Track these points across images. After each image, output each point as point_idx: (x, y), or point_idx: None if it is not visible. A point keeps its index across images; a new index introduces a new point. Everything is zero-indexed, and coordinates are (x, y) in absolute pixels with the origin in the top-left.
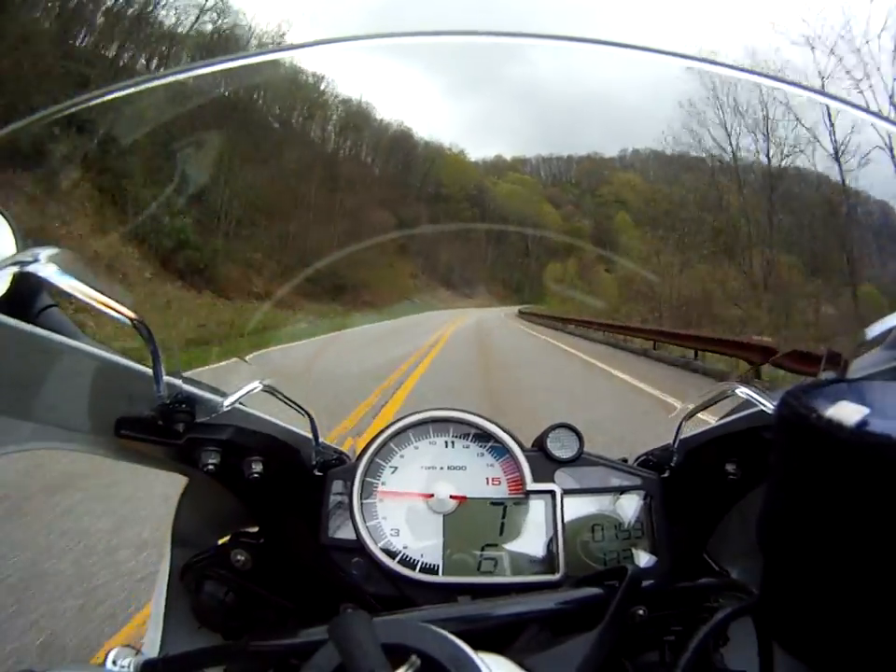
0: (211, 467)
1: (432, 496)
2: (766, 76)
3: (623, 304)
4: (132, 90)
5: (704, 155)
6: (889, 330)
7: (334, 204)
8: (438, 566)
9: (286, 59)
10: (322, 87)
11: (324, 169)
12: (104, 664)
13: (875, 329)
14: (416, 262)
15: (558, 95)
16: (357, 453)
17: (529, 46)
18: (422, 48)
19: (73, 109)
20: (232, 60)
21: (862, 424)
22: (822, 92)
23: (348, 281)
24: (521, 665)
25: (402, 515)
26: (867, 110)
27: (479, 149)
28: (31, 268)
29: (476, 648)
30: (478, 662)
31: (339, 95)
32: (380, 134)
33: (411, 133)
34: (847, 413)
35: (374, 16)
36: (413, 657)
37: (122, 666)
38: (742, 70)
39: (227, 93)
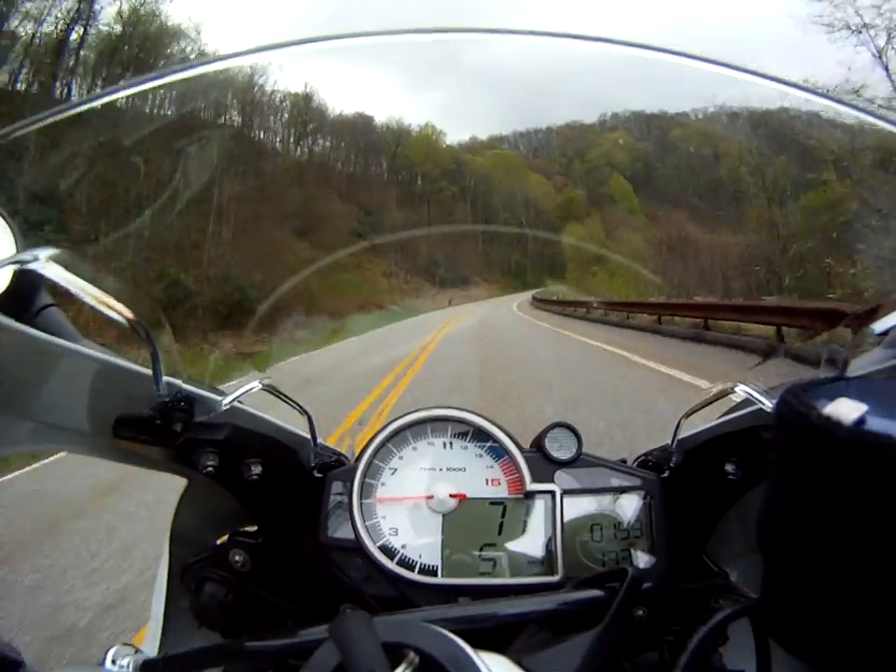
0: (210, 469)
1: (432, 497)
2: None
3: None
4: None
5: (688, 110)
6: (889, 329)
7: (303, 212)
8: (437, 566)
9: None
10: (283, 91)
11: (286, 177)
12: (103, 663)
13: (874, 328)
14: (390, 258)
15: (524, 75)
16: (356, 453)
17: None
18: (378, 46)
19: (72, 111)
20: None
21: (861, 422)
22: (824, 95)
23: (284, 303)
24: (520, 664)
25: (401, 516)
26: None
27: (450, 135)
28: (30, 267)
29: (476, 648)
30: (478, 661)
31: (299, 99)
32: (341, 130)
33: (373, 122)
34: (845, 410)
35: (325, 19)
36: (412, 655)
37: (122, 666)
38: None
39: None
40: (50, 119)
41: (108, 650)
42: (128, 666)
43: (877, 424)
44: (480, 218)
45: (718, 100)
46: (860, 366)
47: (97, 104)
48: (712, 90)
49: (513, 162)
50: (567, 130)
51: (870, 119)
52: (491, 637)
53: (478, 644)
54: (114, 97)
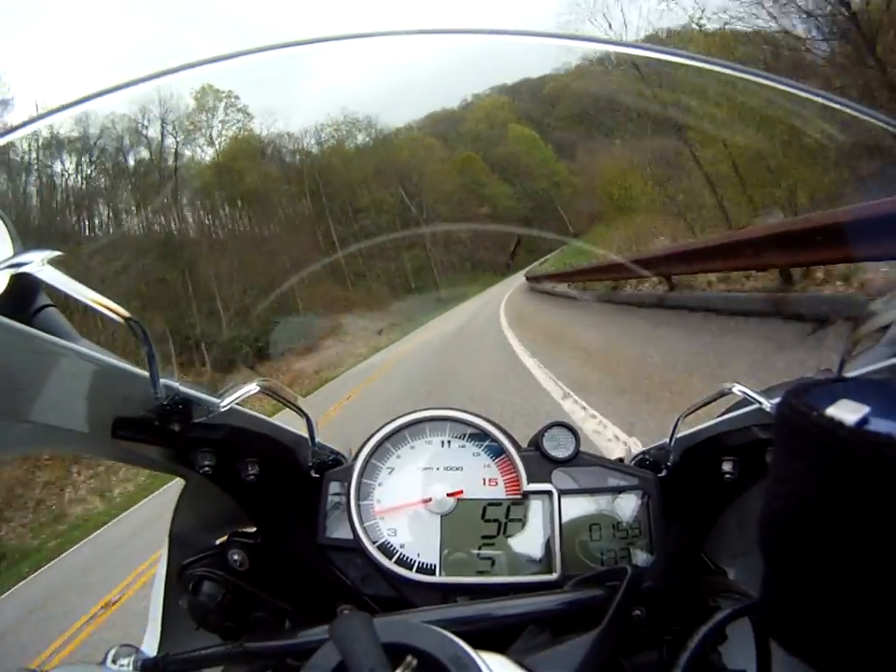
0: (207, 469)
1: (430, 500)
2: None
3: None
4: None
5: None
6: (886, 327)
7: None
8: (435, 565)
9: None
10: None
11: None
12: (104, 662)
13: (871, 326)
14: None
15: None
16: (354, 453)
17: None
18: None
19: (69, 111)
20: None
21: (863, 422)
22: (813, 91)
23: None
24: (521, 664)
25: (399, 515)
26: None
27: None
28: (28, 269)
29: (476, 648)
30: (478, 661)
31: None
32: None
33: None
34: (847, 411)
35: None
36: (409, 657)
37: (122, 665)
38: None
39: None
40: (46, 120)
41: (109, 650)
42: (128, 666)
43: (880, 424)
44: (425, 217)
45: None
46: (858, 364)
47: (93, 103)
48: None
49: (502, 109)
50: (442, 114)
51: (859, 115)
52: (491, 637)
53: (478, 644)
54: (114, 95)
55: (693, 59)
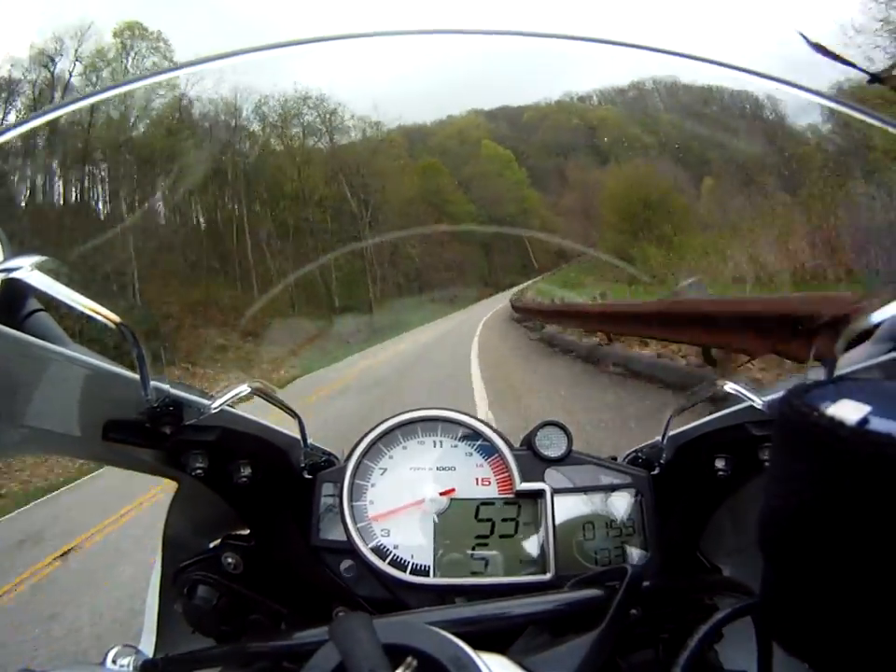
0: (199, 471)
1: (423, 501)
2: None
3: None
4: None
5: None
6: (877, 325)
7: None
8: (429, 566)
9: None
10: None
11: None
12: (104, 663)
13: (863, 324)
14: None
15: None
16: (346, 454)
17: None
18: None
19: (63, 111)
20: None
21: (863, 422)
22: (824, 95)
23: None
24: (521, 665)
25: (393, 517)
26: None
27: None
28: (17, 274)
29: (476, 648)
30: (478, 662)
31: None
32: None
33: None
34: (848, 411)
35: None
36: (410, 658)
37: (122, 665)
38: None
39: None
40: (37, 122)
41: (109, 650)
42: (128, 666)
43: (880, 424)
44: (369, 222)
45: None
46: (850, 361)
47: (85, 103)
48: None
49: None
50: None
51: (867, 118)
52: (491, 638)
53: (478, 645)
54: (104, 96)
55: (695, 59)
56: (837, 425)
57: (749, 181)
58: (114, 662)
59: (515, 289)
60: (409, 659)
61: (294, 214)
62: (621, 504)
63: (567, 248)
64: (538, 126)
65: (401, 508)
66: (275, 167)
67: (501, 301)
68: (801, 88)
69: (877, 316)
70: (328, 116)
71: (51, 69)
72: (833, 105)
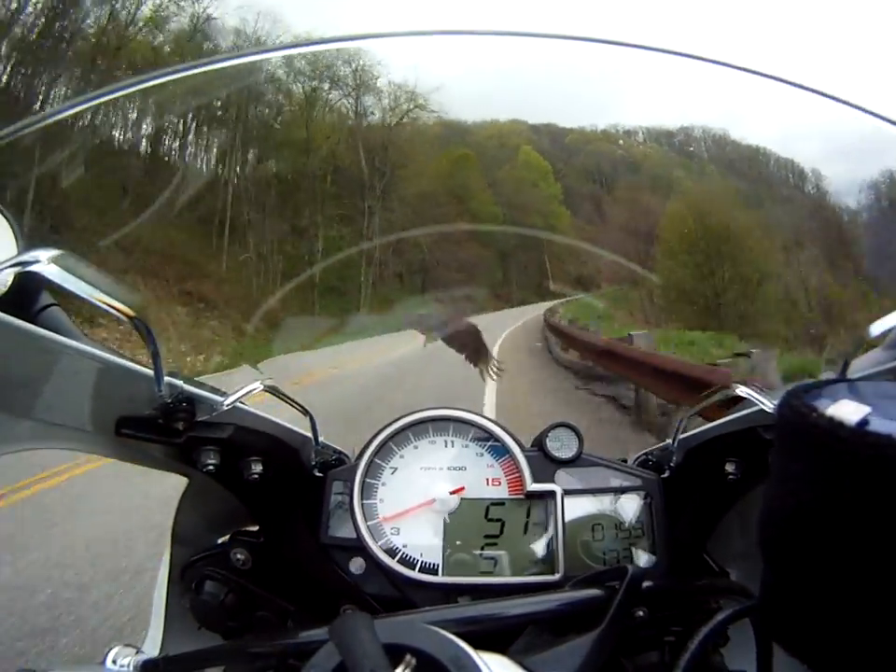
0: (211, 467)
1: (433, 501)
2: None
3: None
4: (128, 90)
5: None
6: (889, 330)
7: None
8: (437, 565)
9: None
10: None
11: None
12: (104, 662)
13: (874, 329)
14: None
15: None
16: (357, 452)
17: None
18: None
19: (75, 110)
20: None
21: (863, 423)
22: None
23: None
24: (521, 665)
25: (403, 515)
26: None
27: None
28: (32, 268)
29: (477, 648)
30: (479, 662)
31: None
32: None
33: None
34: (847, 412)
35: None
36: (409, 657)
37: (122, 665)
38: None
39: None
40: (52, 119)
41: (109, 650)
42: (129, 666)
43: (880, 425)
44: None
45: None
46: (860, 367)
47: (99, 101)
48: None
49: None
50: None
51: (863, 113)
52: (492, 637)
53: (478, 645)
54: (119, 94)
55: (701, 59)
56: (837, 425)
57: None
58: (114, 662)
59: (527, 307)
60: (408, 658)
61: (293, 167)
62: (630, 506)
63: (586, 276)
64: (580, 150)
65: (412, 507)
66: (288, 114)
67: (516, 319)
68: (806, 88)
69: (889, 322)
70: (360, 72)
71: None
72: (836, 102)
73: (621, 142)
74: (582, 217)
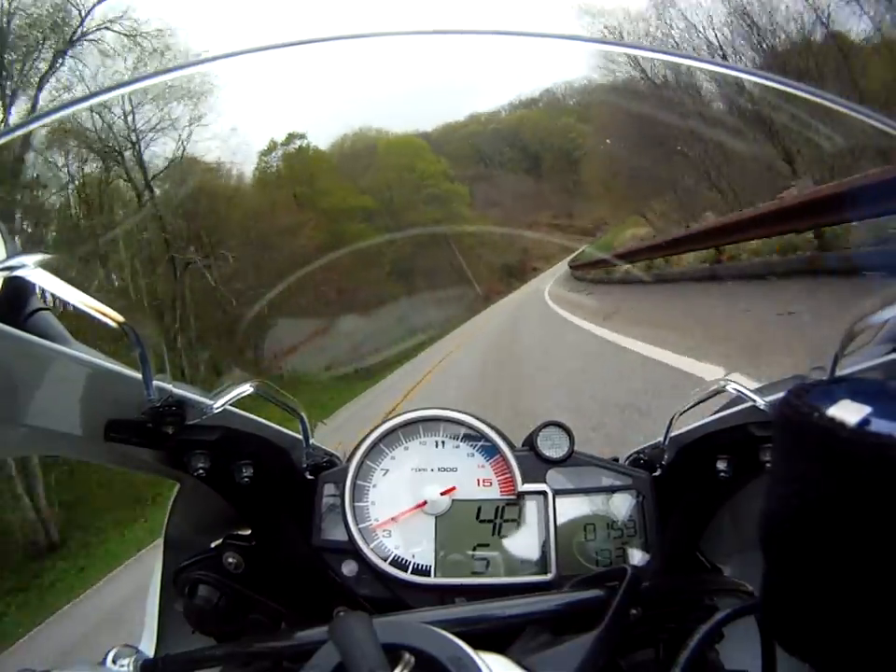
0: (201, 471)
1: (425, 503)
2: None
3: None
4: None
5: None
6: (880, 325)
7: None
8: (430, 567)
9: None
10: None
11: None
12: (104, 663)
13: (864, 324)
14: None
15: None
16: (348, 454)
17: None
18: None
19: (60, 114)
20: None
21: (864, 423)
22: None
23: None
24: (521, 665)
25: (394, 517)
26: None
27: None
28: (20, 273)
29: (476, 648)
30: (478, 662)
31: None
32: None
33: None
34: (848, 411)
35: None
36: (408, 656)
37: (122, 665)
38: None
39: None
40: (42, 122)
41: (109, 650)
42: (128, 666)
43: (881, 425)
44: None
45: None
46: (853, 361)
47: (86, 104)
48: None
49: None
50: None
51: (859, 116)
52: (491, 637)
53: (478, 645)
54: (110, 95)
55: (695, 60)
56: (838, 425)
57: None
58: (114, 662)
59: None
60: (407, 657)
61: None
62: (622, 505)
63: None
64: (449, 139)
65: (403, 509)
66: None
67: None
68: (801, 89)
69: (880, 317)
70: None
71: None
72: (832, 105)
73: (489, 120)
74: (483, 197)
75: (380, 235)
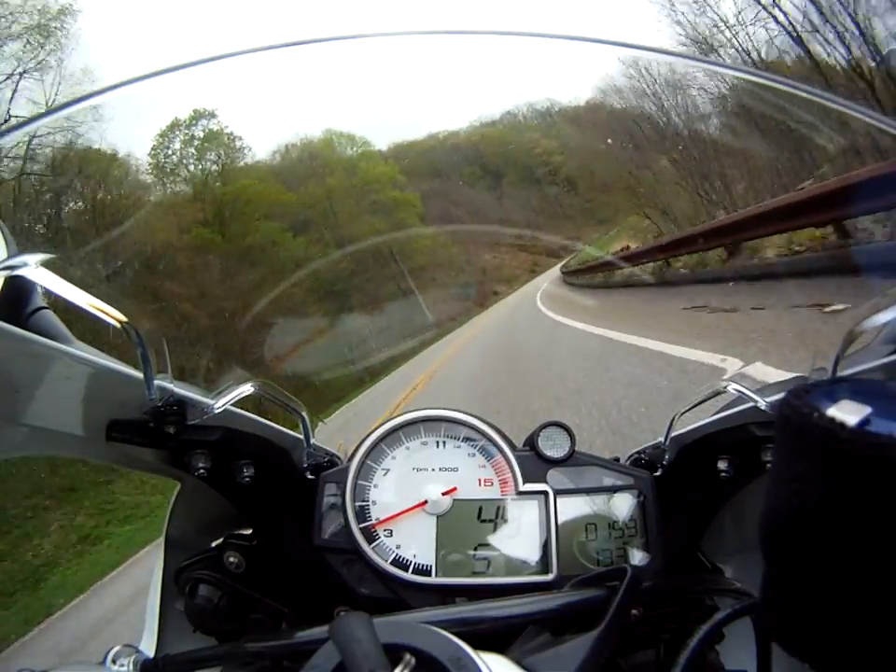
0: (202, 471)
1: (426, 502)
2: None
3: None
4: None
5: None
6: (882, 326)
7: None
8: (431, 566)
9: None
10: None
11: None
12: (104, 662)
13: (866, 325)
14: None
15: None
16: (349, 454)
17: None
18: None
19: (59, 114)
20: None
21: (864, 423)
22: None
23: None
24: (521, 665)
25: (395, 517)
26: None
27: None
28: (22, 272)
29: (476, 648)
30: (478, 662)
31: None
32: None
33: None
34: (848, 412)
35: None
36: (408, 656)
37: (122, 665)
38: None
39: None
40: (41, 122)
41: (109, 650)
42: (128, 666)
43: (881, 425)
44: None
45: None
46: (854, 362)
47: (86, 104)
48: None
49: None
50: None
51: (859, 115)
52: (491, 637)
53: (478, 645)
54: (105, 98)
55: (693, 59)
56: (838, 426)
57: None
58: (114, 662)
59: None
60: (407, 657)
61: None
62: (623, 505)
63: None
64: (404, 155)
65: (404, 509)
66: None
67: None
68: (800, 88)
69: (881, 318)
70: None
71: None
72: (831, 104)
73: (448, 138)
74: (438, 213)
75: (310, 249)
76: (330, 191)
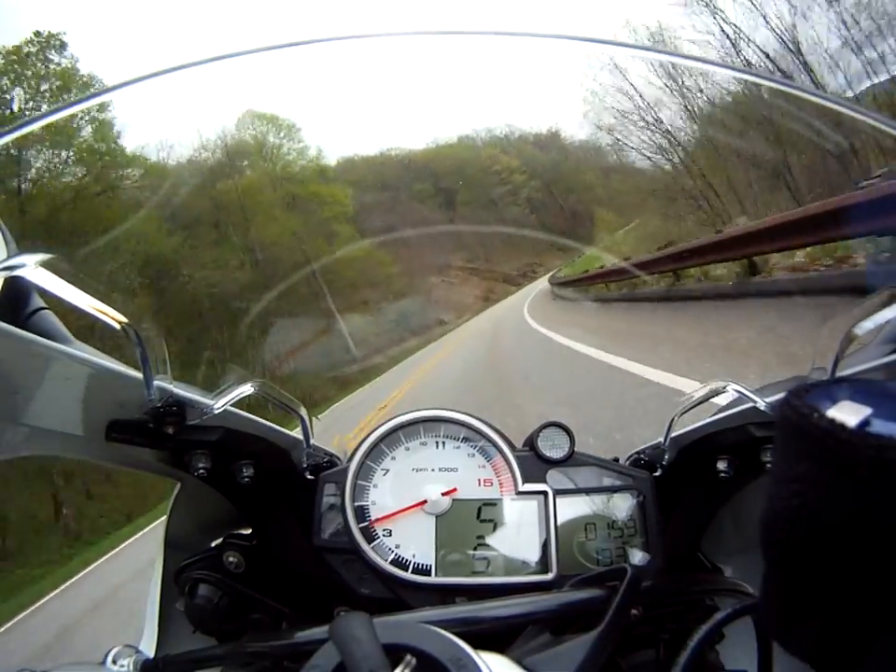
0: (202, 471)
1: (425, 502)
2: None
3: None
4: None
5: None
6: (881, 326)
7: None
8: (430, 566)
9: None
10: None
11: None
12: (104, 663)
13: (865, 325)
14: None
15: None
16: (348, 454)
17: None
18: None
19: (59, 115)
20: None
21: (864, 424)
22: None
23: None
24: (521, 665)
25: (395, 518)
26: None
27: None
28: (21, 272)
29: (476, 648)
30: (478, 662)
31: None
32: None
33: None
34: (848, 412)
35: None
36: (408, 657)
37: (122, 665)
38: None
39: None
40: (41, 122)
41: (109, 650)
42: (128, 666)
43: (882, 426)
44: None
45: None
46: (853, 362)
47: (92, 102)
48: None
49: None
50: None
51: (861, 117)
52: (491, 637)
53: (478, 645)
54: (108, 96)
55: (691, 59)
56: (838, 427)
57: None
58: (114, 662)
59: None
60: (408, 657)
61: None
62: (622, 505)
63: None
64: (351, 167)
65: (403, 508)
66: None
67: None
68: (802, 89)
69: (880, 318)
70: None
71: None
72: (832, 105)
73: (398, 157)
74: (377, 227)
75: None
76: (238, 179)
